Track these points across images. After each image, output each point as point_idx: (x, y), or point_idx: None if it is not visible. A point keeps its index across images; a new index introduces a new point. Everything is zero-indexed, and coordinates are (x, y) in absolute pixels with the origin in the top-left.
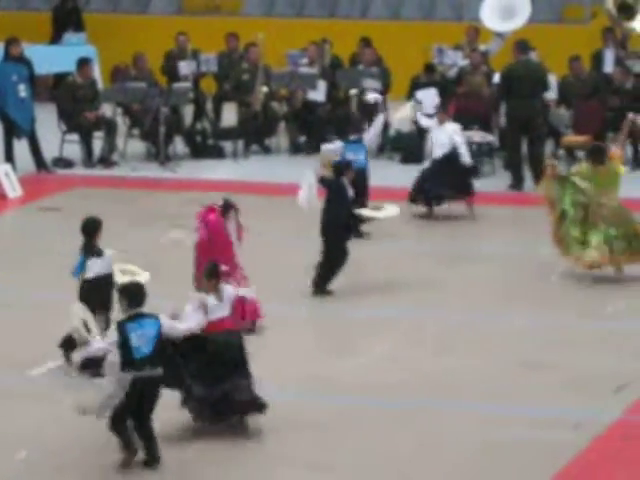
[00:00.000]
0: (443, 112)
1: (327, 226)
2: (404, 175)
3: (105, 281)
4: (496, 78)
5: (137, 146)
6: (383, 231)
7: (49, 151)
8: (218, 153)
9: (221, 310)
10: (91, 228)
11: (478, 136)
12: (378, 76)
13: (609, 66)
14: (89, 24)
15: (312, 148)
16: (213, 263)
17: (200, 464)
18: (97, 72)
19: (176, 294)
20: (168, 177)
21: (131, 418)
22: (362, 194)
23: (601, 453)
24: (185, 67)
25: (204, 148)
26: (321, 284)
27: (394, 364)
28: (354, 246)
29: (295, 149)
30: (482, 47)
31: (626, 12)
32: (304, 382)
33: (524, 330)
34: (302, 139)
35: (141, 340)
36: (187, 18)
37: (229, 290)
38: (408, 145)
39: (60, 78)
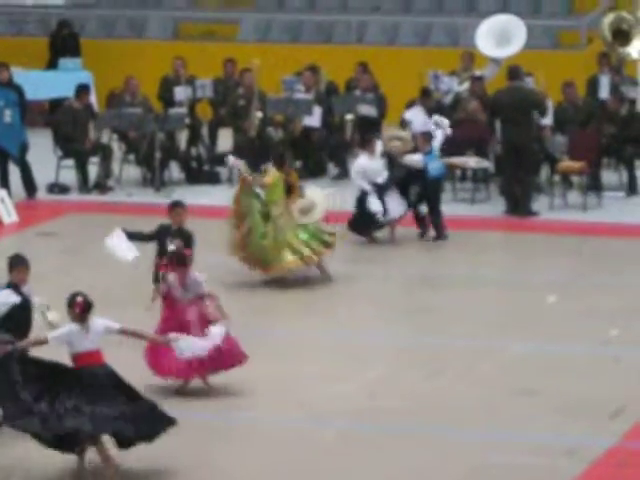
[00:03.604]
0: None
1: None
2: None
3: None
4: None
5: (132, 172)
6: (369, 255)
7: (45, 176)
8: (214, 179)
9: (88, 342)
10: None
11: (473, 162)
12: (374, 102)
13: (604, 92)
14: (85, 49)
15: (307, 174)
16: (73, 294)
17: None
18: (93, 97)
19: None
20: (163, 202)
21: None
22: None
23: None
24: (181, 93)
25: (200, 174)
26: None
27: (385, 389)
28: (342, 267)
29: None
30: (478, 72)
31: (621, 38)
32: (295, 407)
33: (518, 356)
34: (297, 164)
35: None
36: (183, 43)
37: (98, 323)
38: None
39: (56, 103)
